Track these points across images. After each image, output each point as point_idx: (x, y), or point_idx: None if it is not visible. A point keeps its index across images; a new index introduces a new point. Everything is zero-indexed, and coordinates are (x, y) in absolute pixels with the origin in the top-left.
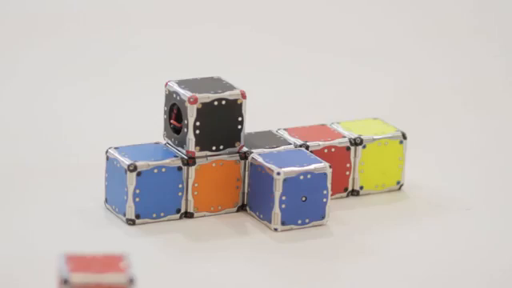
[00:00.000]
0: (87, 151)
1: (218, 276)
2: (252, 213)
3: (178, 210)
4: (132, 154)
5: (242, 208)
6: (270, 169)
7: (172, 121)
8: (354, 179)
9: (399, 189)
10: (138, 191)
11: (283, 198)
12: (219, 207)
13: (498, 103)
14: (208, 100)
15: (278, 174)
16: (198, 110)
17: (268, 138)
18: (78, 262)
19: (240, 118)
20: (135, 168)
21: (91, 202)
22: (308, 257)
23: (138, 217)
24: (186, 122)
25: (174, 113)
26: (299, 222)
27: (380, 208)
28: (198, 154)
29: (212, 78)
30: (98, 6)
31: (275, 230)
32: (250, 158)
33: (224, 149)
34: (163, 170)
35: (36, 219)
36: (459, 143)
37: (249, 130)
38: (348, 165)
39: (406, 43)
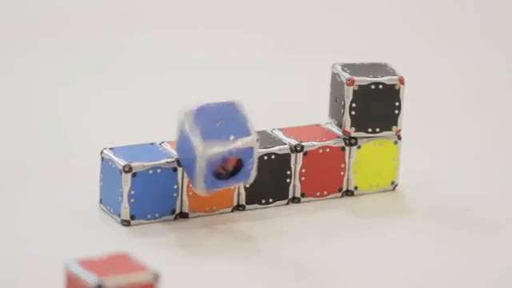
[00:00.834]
0: (83, 151)
1: (213, 276)
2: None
3: (173, 211)
4: (127, 155)
5: (237, 208)
6: None
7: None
8: (348, 179)
9: (393, 189)
10: (132, 192)
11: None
12: (214, 208)
13: (496, 104)
14: (365, 83)
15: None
16: (354, 91)
17: (263, 138)
18: (95, 266)
19: (397, 103)
20: (130, 169)
21: (86, 203)
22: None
23: (132, 217)
24: (343, 102)
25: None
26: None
27: (376, 208)
28: (353, 134)
29: (379, 63)
30: (98, 6)
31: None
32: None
33: (380, 131)
34: (158, 170)
35: (31, 219)
36: (459, 143)
37: None
38: (343, 165)
39: (405, 43)
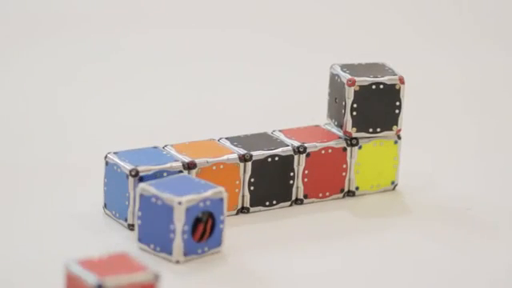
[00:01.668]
0: (83, 151)
1: (216, 278)
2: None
3: None
4: (132, 159)
5: (241, 211)
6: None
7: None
8: (350, 180)
9: (393, 189)
10: None
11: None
12: None
13: (496, 104)
14: (366, 83)
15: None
16: (355, 92)
17: (265, 140)
18: (95, 266)
19: (398, 103)
20: (137, 173)
21: (90, 207)
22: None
23: None
24: (343, 103)
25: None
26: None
27: (377, 208)
28: (354, 134)
29: (377, 63)
30: (98, 6)
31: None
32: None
33: (381, 131)
34: (164, 174)
35: (31, 219)
36: (459, 143)
37: (241, 132)
38: (344, 166)
39: (404, 43)
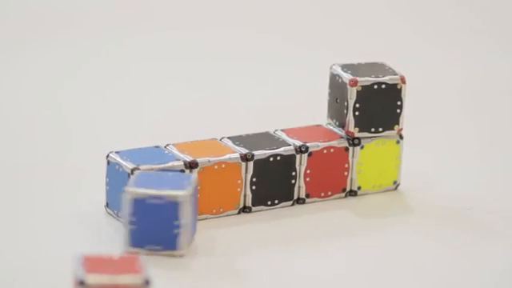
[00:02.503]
0: (83, 152)
1: (218, 278)
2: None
3: None
4: (134, 158)
5: (243, 210)
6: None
7: None
8: (351, 180)
9: (395, 188)
10: None
11: None
12: (221, 209)
13: (496, 104)
14: (368, 83)
15: None
16: (357, 92)
17: (267, 140)
18: (95, 263)
19: (399, 102)
20: None
21: (92, 207)
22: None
23: None
24: (345, 103)
25: None
26: None
27: (379, 208)
28: (357, 134)
29: (377, 63)
30: (98, 6)
31: None
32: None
33: (383, 131)
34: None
35: (32, 220)
36: (459, 143)
37: (243, 131)
38: (346, 165)
39: (404, 44)
